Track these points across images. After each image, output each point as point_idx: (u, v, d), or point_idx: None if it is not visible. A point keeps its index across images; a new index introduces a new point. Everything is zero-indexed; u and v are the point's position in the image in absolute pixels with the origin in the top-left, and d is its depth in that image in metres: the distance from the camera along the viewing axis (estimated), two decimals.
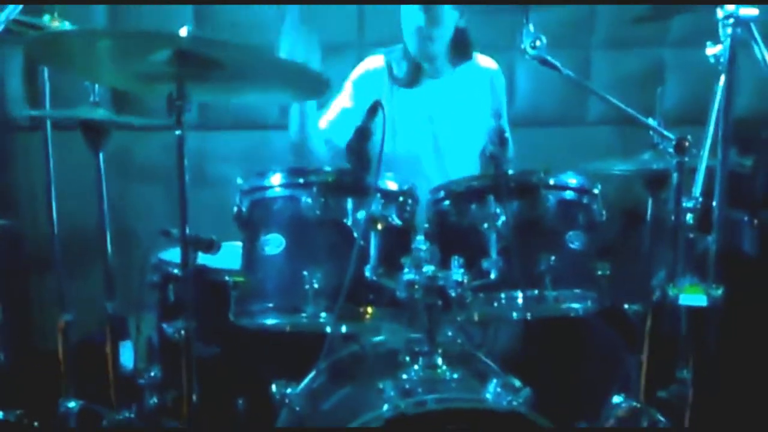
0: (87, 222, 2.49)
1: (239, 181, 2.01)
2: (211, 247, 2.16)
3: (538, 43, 1.86)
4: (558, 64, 1.91)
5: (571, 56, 3.34)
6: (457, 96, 2.67)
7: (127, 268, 2.48)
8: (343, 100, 2.63)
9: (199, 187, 2.78)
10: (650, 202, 2.43)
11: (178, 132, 1.85)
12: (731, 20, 1.84)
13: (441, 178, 2.51)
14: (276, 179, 1.95)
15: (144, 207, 3.14)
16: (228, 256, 2.08)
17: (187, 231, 1.90)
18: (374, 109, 1.85)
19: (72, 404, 2.49)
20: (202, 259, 2.14)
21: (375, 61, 2.67)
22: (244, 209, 1.98)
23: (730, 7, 1.83)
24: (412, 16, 2.52)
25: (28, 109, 3.03)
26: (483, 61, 2.73)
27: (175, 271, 2.28)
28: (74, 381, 2.52)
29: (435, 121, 2.64)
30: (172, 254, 2.34)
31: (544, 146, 3.23)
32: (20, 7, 1.97)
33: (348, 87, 2.65)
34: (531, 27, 1.84)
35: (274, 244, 1.92)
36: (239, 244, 2.11)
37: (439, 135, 2.65)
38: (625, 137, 3.25)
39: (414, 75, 2.62)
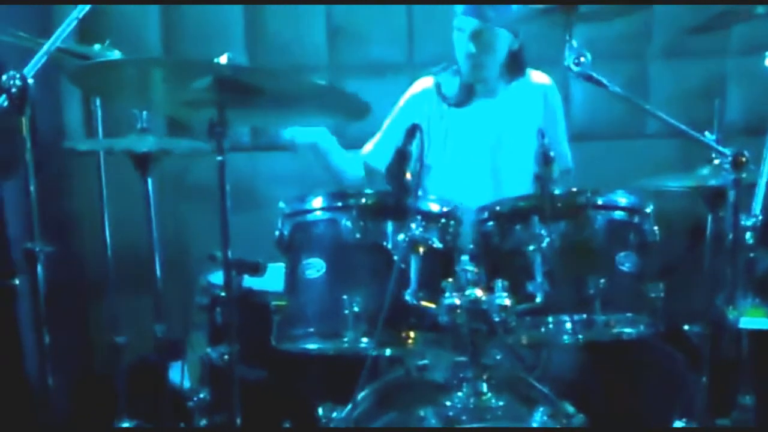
0: (140, 245, 2.53)
1: (281, 204, 2.01)
2: (256, 270, 2.18)
3: (582, 59, 1.80)
4: (604, 80, 1.84)
5: (628, 68, 3.28)
6: (511, 113, 2.63)
7: (180, 290, 2.50)
8: (387, 125, 2.63)
9: (251, 208, 2.85)
10: (710, 218, 2.33)
11: (219, 158, 1.87)
12: None
13: (497, 198, 2.48)
14: (317, 203, 1.94)
15: (196, 229, 3.17)
16: (276, 278, 2.08)
17: (231, 254, 1.92)
18: (413, 131, 1.82)
19: (126, 424, 2.52)
20: (249, 281, 2.16)
21: (423, 83, 2.67)
22: (285, 233, 1.97)
23: None
24: (462, 43, 2.50)
25: (85, 137, 3.09)
26: (536, 77, 2.68)
27: (223, 293, 2.29)
28: (128, 402, 2.56)
29: (489, 140, 2.60)
30: (220, 277, 2.35)
31: (603, 160, 3.15)
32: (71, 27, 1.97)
33: (395, 112, 2.64)
34: (574, 43, 1.78)
35: (314, 267, 1.90)
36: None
37: (495, 153, 2.61)
38: (686, 151, 3.15)
39: (466, 94, 2.59)
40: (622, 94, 1.90)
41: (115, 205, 2.60)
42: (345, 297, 1.81)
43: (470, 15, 2.47)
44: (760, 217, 1.88)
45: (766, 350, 1.90)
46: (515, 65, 2.60)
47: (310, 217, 1.94)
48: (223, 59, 1.88)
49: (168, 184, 2.50)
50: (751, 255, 1.90)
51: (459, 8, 2.51)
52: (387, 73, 3.25)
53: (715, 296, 2.36)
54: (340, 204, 1.89)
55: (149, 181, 2.41)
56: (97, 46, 2.34)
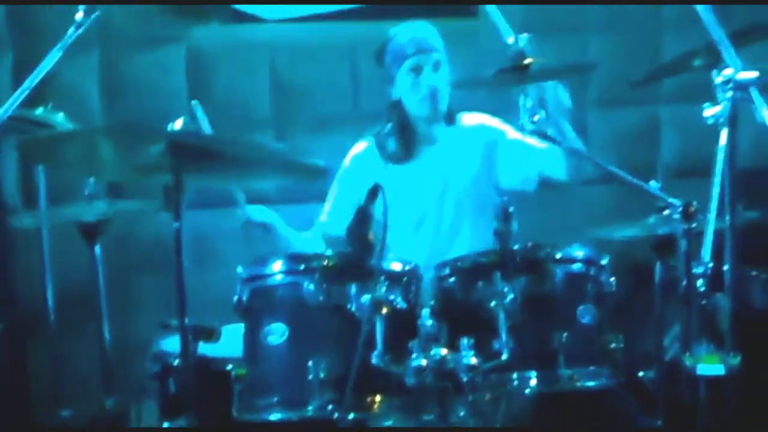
0: (86, 314, 2.44)
1: (239, 269, 1.97)
2: (211, 336, 2.11)
3: (536, 118, 1.84)
4: (558, 138, 1.89)
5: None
6: (453, 157, 2.64)
7: (129, 357, 2.42)
8: (335, 191, 2.64)
9: (200, 268, 2.78)
10: (658, 266, 2.39)
11: (175, 225, 1.83)
12: (730, 84, 1.82)
13: (445, 245, 2.51)
14: (277, 266, 1.92)
15: (145, 293, 3.09)
16: (231, 341, 2.03)
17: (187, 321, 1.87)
18: (374, 192, 1.82)
19: None
20: (203, 348, 2.10)
21: (364, 144, 2.69)
22: (244, 298, 1.94)
23: (728, 72, 1.82)
24: (419, 81, 2.54)
25: (22, 206, 2.96)
26: (467, 119, 2.72)
27: (176, 362, 2.22)
28: None
29: (437, 188, 2.61)
30: (173, 343, 2.28)
31: (548, 208, 3.21)
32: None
33: (340, 175, 2.65)
34: (528, 102, 1.83)
35: (276, 333, 1.87)
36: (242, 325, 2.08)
37: (442, 201, 2.61)
38: (627, 196, 3.25)
39: (408, 147, 2.61)
40: (574, 149, 1.95)
41: (59, 275, 2.51)
42: (310, 363, 1.78)
43: (423, 52, 2.53)
44: (711, 264, 1.93)
45: (722, 396, 1.93)
46: (449, 113, 2.65)
47: (270, 281, 1.92)
48: (178, 124, 1.86)
49: (112, 249, 2.42)
50: (704, 302, 1.94)
51: (409, 49, 2.55)
52: (332, 126, 3.26)
53: (666, 343, 2.41)
54: (301, 267, 1.87)
55: (97, 248, 2.33)
56: (39, 110, 2.27)
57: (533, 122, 1.85)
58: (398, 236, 2.44)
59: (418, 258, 2.09)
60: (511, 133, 2.60)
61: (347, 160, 2.68)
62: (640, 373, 2.31)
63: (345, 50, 3.28)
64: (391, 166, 2.61)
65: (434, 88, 2.52)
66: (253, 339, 1.92)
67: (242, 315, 1.95)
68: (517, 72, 1.89)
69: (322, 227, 2.64)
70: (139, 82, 3.17)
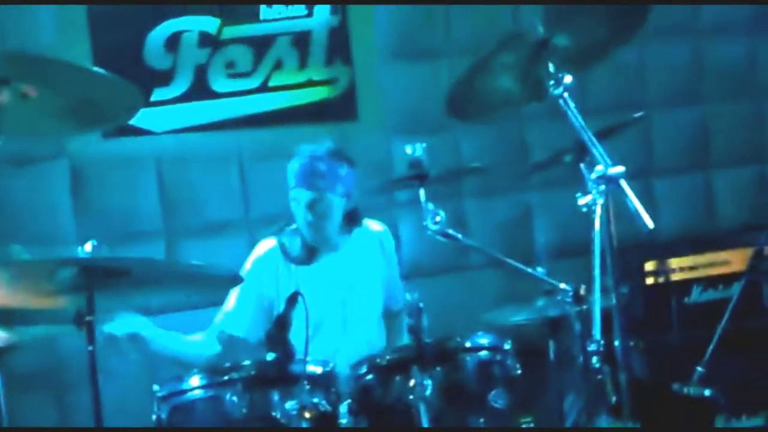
0: None
1: (155, 388, 1.95)
2: None
3: (438, 218, 1.98)
4: (459, 236, 2.03)
5: (447, 207, 3.56)
6: (355, 263, 2.73)
7: None
8: (237, 292, 2.61)
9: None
10: (551, 344, 2.56)
11: (90, 348, 1.80)
12: (603, 179, 2.03)
13: (349, 346, 2.56)
14: (195, 381, 1.91)
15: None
16: None
17: None
18: (294, 298, 1.88)
19: None
20: None
21: (266, 245, 2.71)
22: (163, 416, 1.91)
23: (600, 168, 2.03)
24: (299, 211, 2.61)
25: None
26: (372, 225, 2.84)
27: None
28: None
29: (339, 292, 2.68)
30: None
31: (433, 295, 3.35)
32: None
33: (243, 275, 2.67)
34: (430, 205, 1.97)
35: None
36: None
37: (345, 303, 2.68)
38: (509, 279, 3.46)
39: (310, 252, 2.67)
40: (472, 245, 2.10)
41: None
42: None
43: (303, 187, 2.59)
44: (602, 341, 2.10)
45: None
46: (352, 220, 2.75)
47: (190, 396, 1.91)
48: (87, 247, 1.86)
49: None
50: (599, 377, 2.10)
51: (291, 181, 2.64)
52: (224, 231, 3.30)
53: (565, 410, 2.57)
54: (221, 379, 1.88)
55: None
56: None
57: (435, 223, 1.99)
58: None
59: (322, 356, 2.13)
60: (387, 242, 2.77)
61: (249, 263, 2.69)
62: None
63: (232, 157, 3.35)
64: (295, 267, 2.66)
65: (312, 223, 2.59)
66: None
67: None
68: (416, 179, 2.03)
69: (220, 327, 2.60)
70: (23, 199, 3.10)
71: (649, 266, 3.34)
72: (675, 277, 3.34)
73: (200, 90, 3.31)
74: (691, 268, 3.36)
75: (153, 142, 3.28)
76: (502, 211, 3.69)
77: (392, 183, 2.19)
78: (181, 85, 3.29)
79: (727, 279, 3.33)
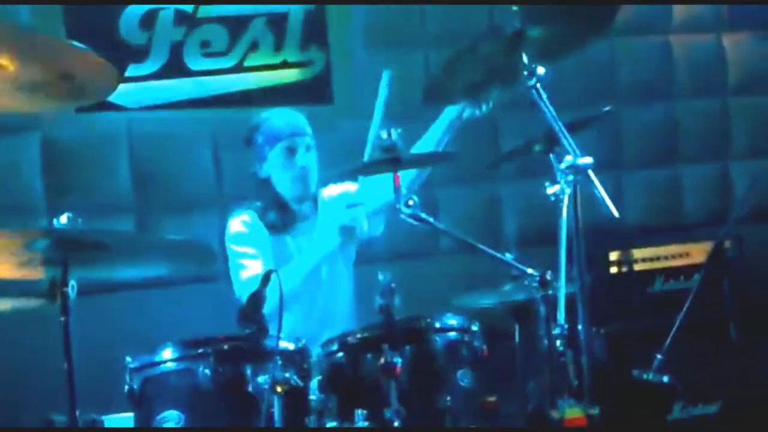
0: None
1: (128, 359, 1.97)
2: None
3: (410, 202, 2.02)
4: (431, 219, 2.08)
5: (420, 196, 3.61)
6: (325, 228, 2.75)
7: None
8: (252, 249, 2.62)
9: None
10: (517, 329, 2.63)
11: (62, 318, 1.82)
12: (571, 169, 2.09)
13: (319, 314, 2.62)
14: (168, 353, 1.94)
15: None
16: None
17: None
18: (267, 276, 1.91)
19: None
20: None
21: (246, 216, 2.72)
22: (135, 387, 1.93)
23: (569, 158, 2.08)
24: (292, 162, 2.65)
25: None
26: (334, 190, 2.87)
27: None
28: None
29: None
30: None
31: (403, 279, 3.39)
32: None
33: (244, 237, 2.65)
34: (403, 189, 2.01)
35: (171, 420, 1.88)
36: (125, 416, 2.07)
37: (319, 274, 2.71)
38: (477, 264, 3.52)
39: (287, 219, 2.70)
40: (443, 229, 2.14)
41: None
42: None
43: (298, 134, 2.67)
44: (566, 326, 2.17)
45: None
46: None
47: (162, 368, 1.93)
48: (63, 219, 1.87)
49: None
50: (563, 359, 2.17)
51: (285, 131, 2.67)
52: (195, 209, 3.31)
53: (529, 400, 2.63)
54: (196, 352, 1.90)
55: None
56: None
57: (408, 206, 2.03)
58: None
59: (296, 331, 2.17)
60: (350, 187, 2.76)
61: (239, 225, 2.68)
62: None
63: (206, 135, 3.36)
64: (274, 236, 2.69)
65: (306, 168, 2.66)
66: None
67: (134, 404, 1.94)
68: (390, 162, 2.07)
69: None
70: None
71: (613, 256, 3.42)
72: (638, 267, 3.43)
73: (175, 67, 3.31)
74: (654, 259, 3.45)
75: (126, 117, 3.27)
76: (471, 199, 3.75)
77: (367, 166, 2.23)
78: (156, 61, 3.28)
79: (689, 270, 3.42)
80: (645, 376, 3.06)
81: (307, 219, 2.76)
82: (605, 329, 3.26)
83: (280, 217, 2.70)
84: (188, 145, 3.34)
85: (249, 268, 2.55)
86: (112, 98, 3.19)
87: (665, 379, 2.99)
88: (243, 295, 2.52)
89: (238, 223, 2.68)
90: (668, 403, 3.28)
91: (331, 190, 2.86)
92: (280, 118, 2.72)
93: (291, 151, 2.66)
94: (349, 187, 2.85)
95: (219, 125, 3.35)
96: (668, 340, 3.04)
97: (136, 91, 3.26)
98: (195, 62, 3.34)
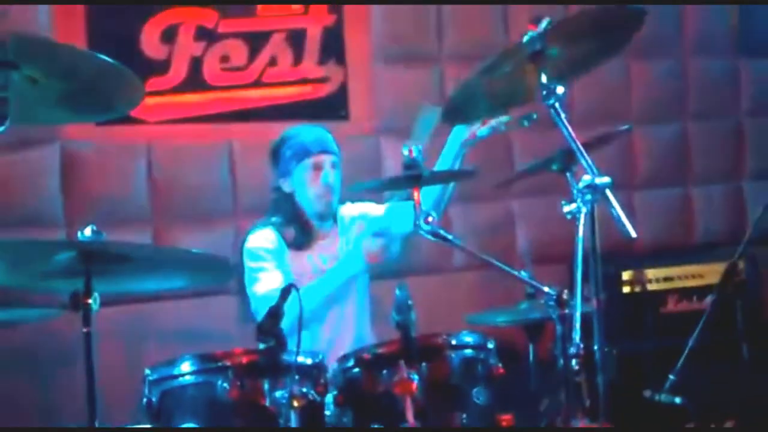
0: None
1: (147, 371, 1.99)
2: None
3: (430, 218, 2.04)
4: (450, 236, 2.09)
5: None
6: (343, 246, 2.78)
7: None
8: (269, 272, 2.63)
9: None
10: (531, 347, 2.64)
11: (84, 330, 1.84)
12: (590, 189, 2.10)
13: (340, 329, 2.64)
14: (186, 366, 1.95)
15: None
16: None
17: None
18: (287, 291, 1.92)
19: None
20: None
21: (267, 231, 2.73)
22: (154, 400, 1.95)
23: (587, 177, 2.09)
24: (317, 178, 2.67)
25: None
26: (353, 209, 2.89)
27: None
28: None
29: None
30: None
31: (416, 296, 3.40)
32: None
33: (265, 259, 2.66)
34: (423, 205, 2.03)
35: None
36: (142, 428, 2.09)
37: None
38: (489, 283, 3.53)
39: (307, 236, 2.72)
40: (462, 246, 2.16)
41: None
42: None
43: (326, 151, 2.70)
44: (582, 345, 2.17)
45: None
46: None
47: (181, 381, 1.95)
48: (87, 232, 1.90)
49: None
50: (577, 379, 2.17)
51: (314, 148, 2.70)
52: (211, 222, 3.33)
53: (543, 418, 2.63)
54: (214, 365, 1.92)
55: None
56: None
57: (427, 222, 2.05)
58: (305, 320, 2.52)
59: (312, 346, 2.18)
60: (374, 211, 2.81)
61: (259, 239, 2.69)
62: None
63: (223, 149, 3.39)
64: (293, 252, 2.71)
65: (331, 186, 2.68)
66: None
67: (152, 416, 1.96)
68: (411, 179, 2.09)
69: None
70: (11, 185, 3.12)
71: (626, 276, 3.43)
72: (651, 287, 3.43)
73: (195, 82, 3.34)
74: (667, 279, 3.46)
75: (145, 130, 3.31)
76: (484, 217, 3.76)
77: (389, 182, 2.24)
78: (176, 76, 3.32)
79: (701, 291, 3.43)
80: (657, 397, 3.06)
81: (327, 236, 2.78)
82: (617, 349, 3.27)
83: (301, 233, 2.72)
84: (205, 159, 3.37)
85: (265, 282, 2.56)
86: (132, 111, 3.23)
87: (677, 399, 2.99)
88: (259, 308, 2.55)
89: (257, 237, 2.69)
90: (680, 424, 3.27)
91: (350, 209, 2.87)
92: (308, 134, 2.74)
93: (317, 167, 2.68)
94: (369, 207, 2.87)
95: (236, 139, 3.39)
96: (681, 361, 3.05)
97: (156, 104, 3.30)
98: (214, 77, 3.37)
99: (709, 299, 3.32)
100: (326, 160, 2.70)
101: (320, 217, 2.73)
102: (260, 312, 2.54)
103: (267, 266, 2.61)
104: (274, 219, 2.75)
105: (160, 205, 3.29)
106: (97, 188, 3.22)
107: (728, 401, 3.26)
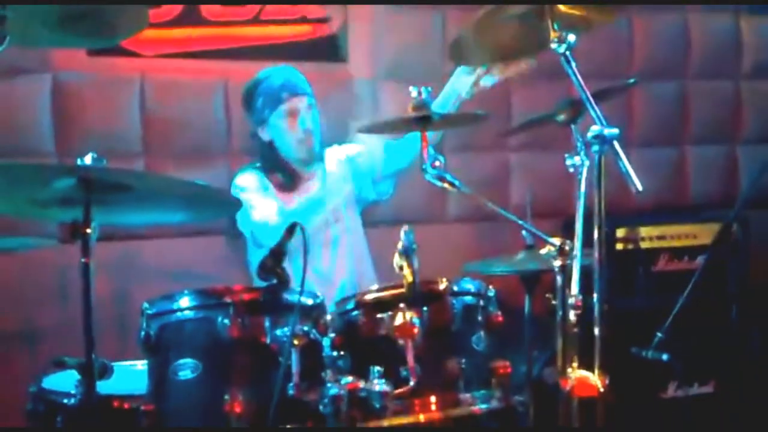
0: None
1: (145, 305, 1.96)
2: (104, 372, 2.06)
3: (437, 163, 2.01)
4: (456, 181, 2.07)
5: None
6: (332, 190, 2.75)
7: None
8: (262, 200, 2.62)
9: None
10: (527, 298, 2.63)
11: (83, 260, 1.80)
12: (598, 139, 2.07)
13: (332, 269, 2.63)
14: (186, 301, 1.92)
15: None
16: (125, 379, 2.00)
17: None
18: (292, 230, 1.89)
19: None
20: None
21: (253, 174, 2.71)
22: (152, 333, 1.92)
23: (596, 128, 2.06)
24: (293, 124, 2.63)
25: None
26: (338, 152, 2.88)
27: (65, 401, 2.13)
28: None
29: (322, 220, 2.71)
30: (56, 382, 2.21)
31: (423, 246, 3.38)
32: None
33: (253, 191, 2.64)
34: (431, 150, 1.99)
35: (188, 368, 1.87)
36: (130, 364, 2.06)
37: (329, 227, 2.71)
38: (483, 234, 3.52)
39: (293, 180, 2.69)
40: (469, 192, 2.13)
41: None
42: (225, 396, 1.80)
43: (298, 93, 2.66)
44: (581, 297, 2.17)
45: (594, 415, 2.15)
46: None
47: (180, 316, 1.92)
48: (87, 159, 1.84)
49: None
50: (575, 330, 2.17)
51: (283, 93, 2.63)
52: (203, 159, 3.27)
53: (535, 369, 2.65)
54: (215, 301, 1.89)
55: None
56: None
57: (435, 167, 2.02)
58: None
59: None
60: (357, 149, 2.81)
61: (246, 179, 2.69)
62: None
63: (218, 86, 3.31)
64: (279, 194, 2.68)
65: (309, 130, 2.63)
66: (160, 374, 1.90)
67: (149, 351, 1.93)
68: (420, 120, 2.05)
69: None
70: (1, 113, 3.03)
71: (620, 232, 3.43)
72: (644, 245, 3.44)
73: (191, 16, 3.24)
74: (660, 238, 3.47)
75: (138, 63, 3.21)
76: (479, 168, 3.72)
77: (399, 122, 2.19)
78: (172, 9, 3.22)
79: (693, 251, 3.45)
80: (644, 354, 3.09)
81: (314, 178, 2.75)
82: (607, 305, 3.28)
83: (286, 177, 2.69)
84: (201, 96, 3.28)
85: (260, 209, 2.55)
86: (126, 43, 3.14)
87: (664, 357, 3.02)
88: (259, 235, 2.53)
89: (245, 178, 2.68)
90: (664, 381, 3.32)
91: (336, 151, 2.84)
92: (276, 77, 2.68)
93: (293, 113, 2.64)
94: (355, 148, 2.83)
95: (232, 76, 3.30)
96: (669, 319, 3.07)
97: (151, 37, 3.20)
98: (212, 11, 3.28)
99: (700, 259, 3.33)
100: (300, 103, 2.65)
101: (304, 162, 2.70)
102: (260, 238, 2.54)
103: (257, 196, 2.59)
104: (258, 164, 2.72)
105: (152, 139, 3.20)
106: (89, 120, 3.13)
107: (712, 361, 3.30)
